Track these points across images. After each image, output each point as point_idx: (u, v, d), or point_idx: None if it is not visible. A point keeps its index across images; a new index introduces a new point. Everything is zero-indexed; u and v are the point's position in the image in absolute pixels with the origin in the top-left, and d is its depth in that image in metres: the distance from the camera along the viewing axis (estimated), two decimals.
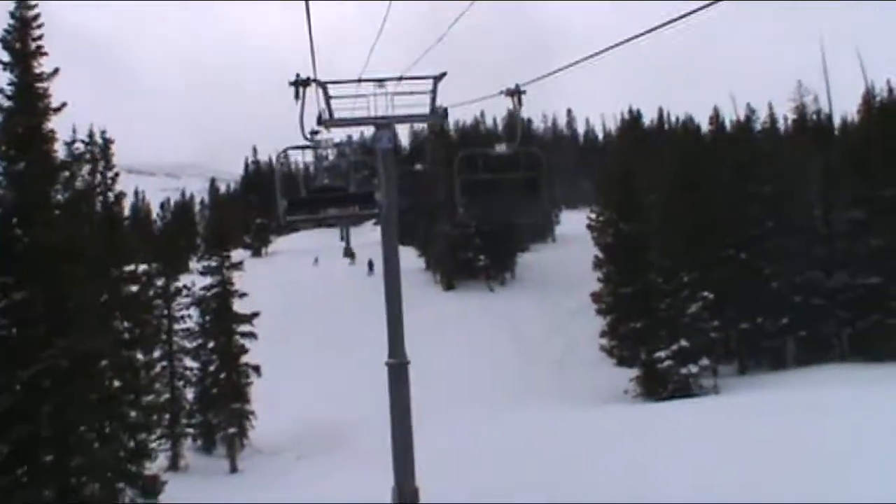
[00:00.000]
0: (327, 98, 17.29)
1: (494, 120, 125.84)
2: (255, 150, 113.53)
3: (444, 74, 17.56)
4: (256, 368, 43.35)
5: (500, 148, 16.79)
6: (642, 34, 8.96)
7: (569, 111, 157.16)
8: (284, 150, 16.54)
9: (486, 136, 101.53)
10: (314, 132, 16.56)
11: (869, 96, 55.17)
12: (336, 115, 17.18)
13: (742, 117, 64.71)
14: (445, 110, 18.08)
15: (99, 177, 38.18)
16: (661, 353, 45.53)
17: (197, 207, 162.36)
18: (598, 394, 49.33)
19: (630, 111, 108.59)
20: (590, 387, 50.11)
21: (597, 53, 10.67)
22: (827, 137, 65.39)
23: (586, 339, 58.06)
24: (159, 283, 43.36)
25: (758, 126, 65.89)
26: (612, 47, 10.08)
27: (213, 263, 45.08)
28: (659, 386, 46.01)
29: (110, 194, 38.16)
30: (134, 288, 38.76)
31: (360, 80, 17.42)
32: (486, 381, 52.22)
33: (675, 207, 49.23)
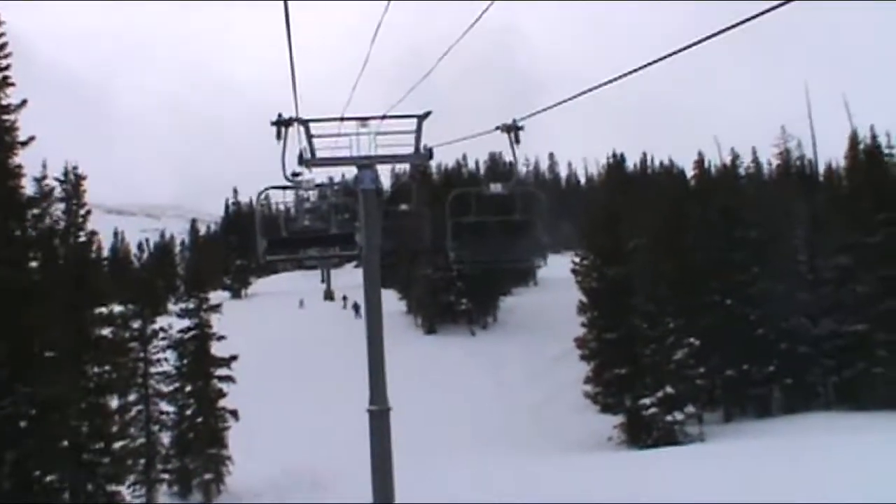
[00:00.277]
0: (309, 137, 17.00)
1: (476, 163, 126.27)
2: (235, 192, 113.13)
3: (428, 113, 17.26)
4: (234, 413, 42.46)
5: (496, 187, 16.52)
6: (624, 75, 8.86)
7: (551, 155, 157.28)
8: (265, 190, 16.35)
9: (470, 179, 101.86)
10: (296, 174, 16.21)
11: (854, 142, 55.04)
12: (318, 154, 16.93)
13: (727, 162, 64.88)
14: (430, 150, 17.69)
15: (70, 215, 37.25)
16: (646, 400, 44.88)
17: (177, 248, 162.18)
18: (582, 441, 48.54)
19: (613, 155, 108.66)
20: (573, 433, 49.32)
21: (580, 94, 10.47)
22: (812, 183, 65.55)
23: (569, 384, 57.14)
24: (135, 325, 42.64)
25: (742, 171, 66.24)
26: (595, 87, 9.88)
27: (191, 305, 44.34)
28: (643, 433, 45.35)
29: (82, 233, 37.11)
30: (106, 331, 38.06)
31: (342, 119, 17.19)
32: (467, 427, 51.43)
33: (661, 252, 48.76)
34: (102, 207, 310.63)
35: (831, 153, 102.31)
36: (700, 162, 70.75)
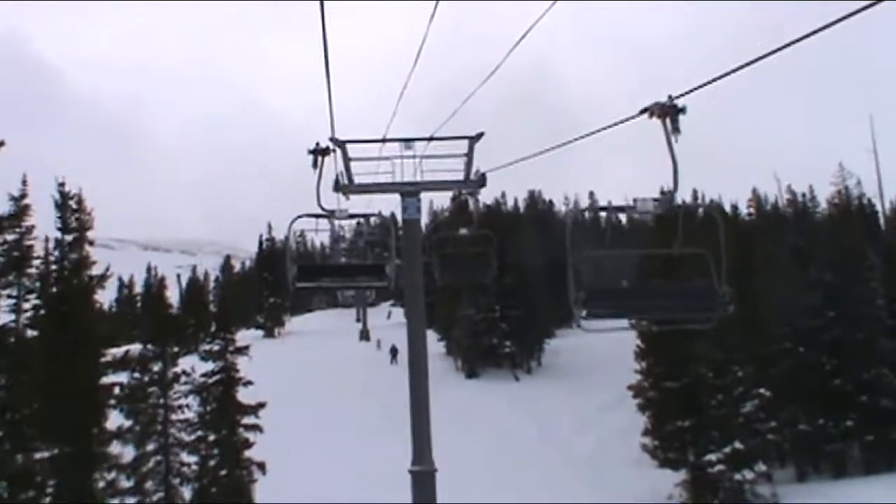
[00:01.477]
0: (346, 160, 16.37)
1: (515, 200, 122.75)
2: (269, 227, 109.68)
3: (481, 135, 16.41)
4: (261, 465, 38.88)
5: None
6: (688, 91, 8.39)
7: (591, 193, 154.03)
8: (296, 218, 15.39)
9: (513, 216, 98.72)
10: (331, 211, 15.69)
11: None
12: (357, 180, 16.64)
13: (786, 199, 61.13)
14: (483, 176, 16.98)
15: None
16: (712, 456, 40.82)
17: (211, 285, 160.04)
18: (639, 497, 44.60)
19: (662, 192, 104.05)
20: (629, 489, 45.34)
21: (607, 127, 10.03)
22: (873, 222, 61.56)
23: (622, 434, 53.36)
24: (156, 367, 39.38)
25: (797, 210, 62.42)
26: (624, 120, 9.38)
27: (216, 347, 40.92)
28: (708, 492, 41.28)
29: (86, 273, 33.87)
30: (122, 376, 35.01)
31: (384, 141, 16.49)
32: (512, 480, 47.36)
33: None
34: (137, 243, 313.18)
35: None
36: (756, 199, 67.11)
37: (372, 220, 21.35)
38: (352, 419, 55.02)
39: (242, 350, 41.45)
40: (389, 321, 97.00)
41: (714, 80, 7.80)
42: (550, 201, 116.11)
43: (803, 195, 72.96)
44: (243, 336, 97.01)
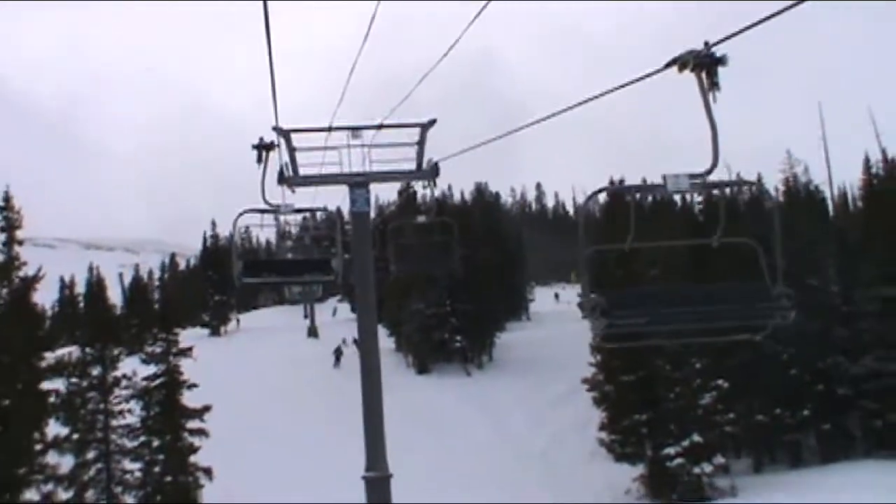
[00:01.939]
0: (291, 150, 15.86)
1: (462, 193, 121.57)
2: (213, 224, 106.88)
3: (433, 121, 15.79)
4: (207, 471, 37.44)
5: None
6: (607, 91, 8.52)
7: (538, 185, 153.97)
8: (241, 213, 14.94)
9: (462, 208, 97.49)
10: (276, 206, 15.51)
11: (886, 161, 50.51)
12: (302, 171, 16.27)
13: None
14: (436, 165, 16.39)
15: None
16: (671, 450, 40.03)
17: (156, 284, 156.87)
18: (597, 494, 43.69)
19: (612, 183, 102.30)
20: (585, 485, 44.42)
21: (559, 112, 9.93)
22: (822, 209, 61.20)
23: (575, 428, 52.46)
24: (95, 371, 37.73)
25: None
26: (579, 104, 9.21)
27: (158, 349, 39.31)
28: (666, 487, 40.50)
29: (16, 275, 32.03)
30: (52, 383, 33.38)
31: (330, 129, 15.83)
32: (465, 478, 46.14)
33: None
34: (79, 243, 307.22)
35: (844, 176, 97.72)
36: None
37: (318, 214, 19.99)
38: (302, 420, 53.42)
39: (186, 352, 39.93)
40: (335, 318, 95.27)
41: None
42: (497, 194, 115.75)
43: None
44: (189, 335, 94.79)
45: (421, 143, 16.01)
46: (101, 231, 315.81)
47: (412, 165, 16.51)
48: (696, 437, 39.73)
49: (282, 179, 15.99)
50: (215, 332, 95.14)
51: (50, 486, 31.11)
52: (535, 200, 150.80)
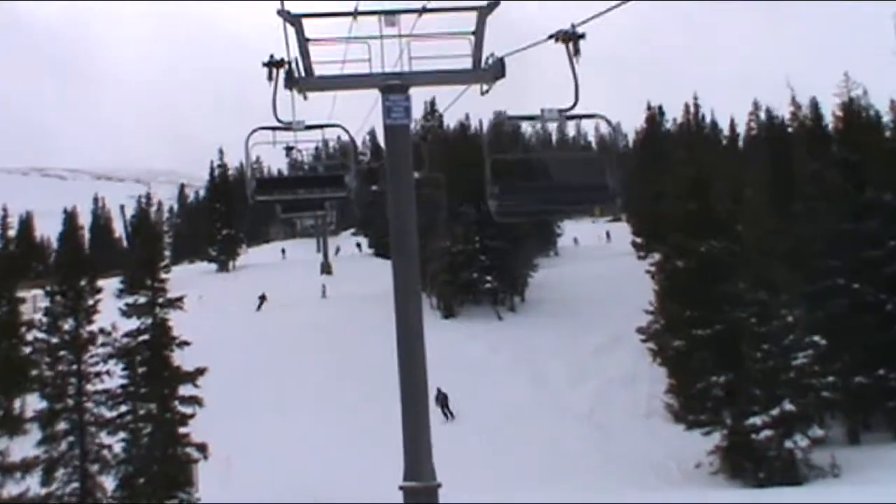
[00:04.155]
0: (302, 43, 13.07)
1: (480, 123, 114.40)
2: (220, 153, 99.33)
3: (496, 4, 12.72)
4: (202, 447, 30.58)
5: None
6: None
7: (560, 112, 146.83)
8: (252, 131, 13.76)
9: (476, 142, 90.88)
10: (288, 123, 13.79)
11: None
12: (318, 73, 13.60)
13: (789, 111, 52.58)
14: (501, 62, 13.03)
15: None
16: (756, 419, 32.97)
17: (165, 215, 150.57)
18: (657, 465, 37.04)
19: (649, 107, 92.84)
20: (641, 454, 37.77)
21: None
22: None
23: (623, 384, 45.87)
24: (67, 325, 30.77)
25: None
26: None
27: (141, 300, 32.23)
28: (751, 462, 33.60)
29: None
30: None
31: (356, 14, 13.12)
32: (503, 441, 39.66)
33: (765, 223, 36.29)
34: (91, 174, 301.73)
35: None
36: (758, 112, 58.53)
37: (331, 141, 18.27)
38: (318, 377, 46.58)
39: (175, 302, 32.68)
40: (337, 256, 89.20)
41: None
42: (518, 124, 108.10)
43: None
44: (195, 270, 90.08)
45: (478, 34, 13.01)
46: (114, 162, 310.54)
47: (466, 63, 13.21)
48: (788, 405, 32.54)
49: (290, 82, 13.21)
50: (223, 268, 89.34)
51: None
52: (556, 130, 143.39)
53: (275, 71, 13.48)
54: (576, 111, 11.48)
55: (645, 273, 46.44)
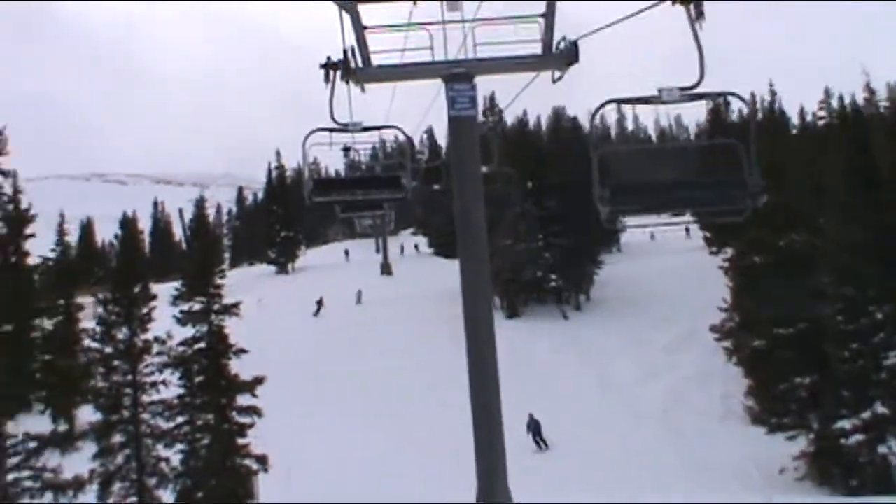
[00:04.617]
0: (359, 31, 12.38)
1: (539, 119, 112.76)
2: (278, 155, 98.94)
3: None
4: (262, 459, 29.38)
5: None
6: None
7: (618, 107, 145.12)
8: (309, 133, 13.17)
9: (533, 137, 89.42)
10: (345, 124, 13.34)
11: None
12: (376, 63, 12.86)
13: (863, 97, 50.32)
14: (574, 46, 12.04)
15: None
16: (846, 423, 30.99)
17: (224, 218, 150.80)
18: (738, 469, 35.05)
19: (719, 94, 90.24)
20: (721, 458, 35.79)
21: None
22: None
23: (696, 383, 44.02)
24: (121, 334, 29.71)
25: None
26: None
27: (196, 307, 31.10)
28: (839, 468, 31.60)
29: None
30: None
31: None
32: (580, 446, 38.06)
33: (847, 212, 34.07)
34: (151, 177, 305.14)
35: None
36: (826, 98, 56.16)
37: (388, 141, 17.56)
38: (381, 384, 45.23)
39: (231, 309, 31.48)
40: (403, 256, 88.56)
41: None
42: (575, 118, 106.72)
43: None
44: (254, 273, 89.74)
45: (548, 16, 12.27)
46: (172, 166, 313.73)
47: (535, 49, 12.34)
48: (881, 408, 30.49)
49: (347, 73, 12.59)
50: (282, 270, 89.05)
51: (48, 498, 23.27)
52: (616, 124, 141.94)
53: (331, 73, 13.17)
54: (701, 89, 9.39)
55: (718, 269, 44.50)
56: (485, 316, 12.97)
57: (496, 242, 55.25)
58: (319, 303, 62.39)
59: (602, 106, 9.76)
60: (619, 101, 10.30)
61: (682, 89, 9.14)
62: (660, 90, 9.07)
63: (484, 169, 16.53)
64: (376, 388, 44.74)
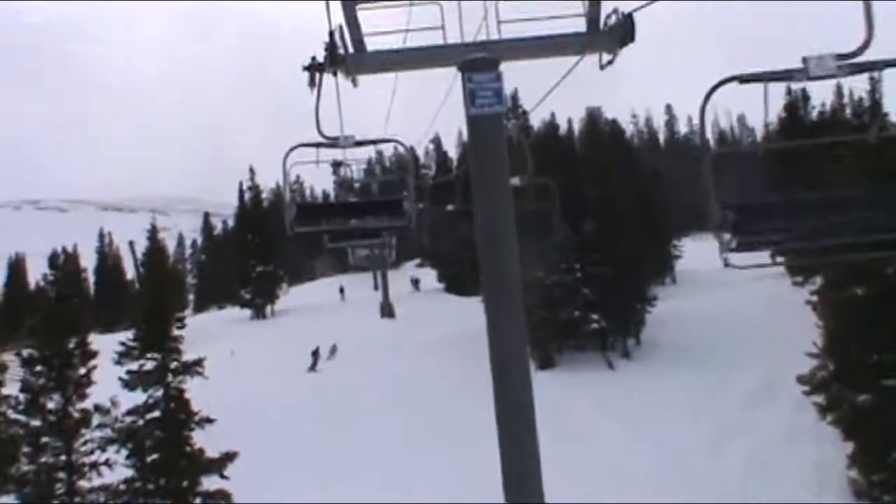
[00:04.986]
0: (350, 8, 12.26)
1: (570, 122, 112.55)
2: (252, 173, 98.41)
3: None
4: None
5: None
6: None
7: (668, 108, 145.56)
8: (292, 149, 14.36)
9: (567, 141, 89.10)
10: (334, 138, 14.20)
11: None
12: (372, 48, 12.95)
13: None
14: (629, 20, 11.74)
15: None
16: None
17: (188, 251, 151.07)
18: None
19: (789, 91, 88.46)
20: None
21: None
22: None
23: (784, 446, 42.58)
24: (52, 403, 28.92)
25: None
26: None
27: (148, 366, 30.31)
28: None
29: None
30: None
31: None
32: None
33: None
34: (95, 204, 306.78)
35: None
36: None
37: (386, 155, 15.95)
38: (393, 460, 43.86)
39: (193, 367, 30.74)
40: (417, 292, 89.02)
41: None
42: (614, 120, 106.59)
43: None
44: (225, 317, 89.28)
45: None
46: (125, 190, 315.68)
47: (578, 26, 12.31)
48: None
49: (332, 60, 12.56)
50: (259, 314, 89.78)
51: None
52: (665, 127, 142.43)
53: (317, 76, 13.59)
54: (866, 57, 8.15)
55: (805, 304, 43.57)
56: (519, 372, 12.74)
57: (522, 275, 54.65)
58: (315, 354, 61.39)
59: (717, 87, 8.53)
60: (744, 80, 8.83)
61: (840, 56, 7.92)
62: (805, 59, 7.89)
63: (514, 181, 16.10)
64: (386, 464, 43.44)
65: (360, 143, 14.51)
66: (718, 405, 47.65)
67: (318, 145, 14.40)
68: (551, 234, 20.48)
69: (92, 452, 28.60)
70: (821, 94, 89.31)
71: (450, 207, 53.56)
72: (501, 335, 12.80)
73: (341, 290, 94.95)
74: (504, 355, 12.79)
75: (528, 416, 12.77)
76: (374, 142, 15.47)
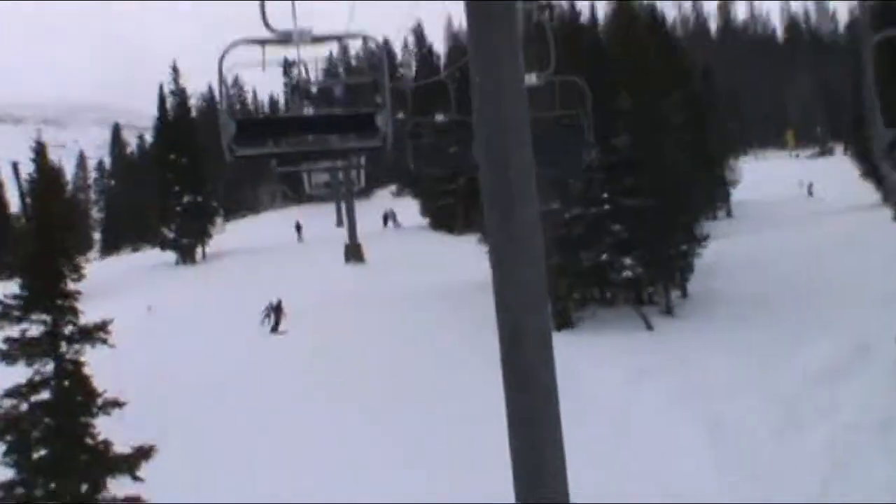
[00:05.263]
0: None
1: (592, 8, 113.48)
2: (175, 71, 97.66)
3: None
4: None
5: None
6: None
7: None
8: (230, 46, 13.25)
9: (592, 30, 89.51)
10: (285, 33, 13.36)
11: None
12: None
13: None
14: None
15: None
16: None
17: (92, 174, 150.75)
18: None
19: None
20: None
21: None
22: None
23: (875, 435, 42.01)
24: None
25: None
26: None
27: (34, 331, 29.93)
28: None
29: None
30: None
31: None
32: None
33: None
34: None
35: None
36: None
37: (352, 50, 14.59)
38: (372, 457, 42.97)
39: (96, 333, 30.27)
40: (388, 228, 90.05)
41: None
42: (653, 7, 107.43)
43: None
44: (141, 261, 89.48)
45: None
46: (7, 96, 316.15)
47: None
48: None
49: None
50: (186, 257, 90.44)
51: None
52: (718, 12, 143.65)
53: None
54: None
55: None
56: (535, 324, 12.67)
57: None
58: (277, 309, 61.86)
59: None
60: None
61: None
62: None
63: (530, 79, 16.62)
64: (361, 463, 43.10)
65: (318, 39, 14.03)
66: (791, 378, 47.41)
67: (264, 42, 13.71)
68: (579, 152, 19.28)
69: None
70: None
71: (439, 118, 53.12)
72: (512, 288, 12.68)
73: (298, 228, 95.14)
74: (516, 316, 12.61)
75: (548, 397, 12.75)
76: (337, 37, 15.19)
